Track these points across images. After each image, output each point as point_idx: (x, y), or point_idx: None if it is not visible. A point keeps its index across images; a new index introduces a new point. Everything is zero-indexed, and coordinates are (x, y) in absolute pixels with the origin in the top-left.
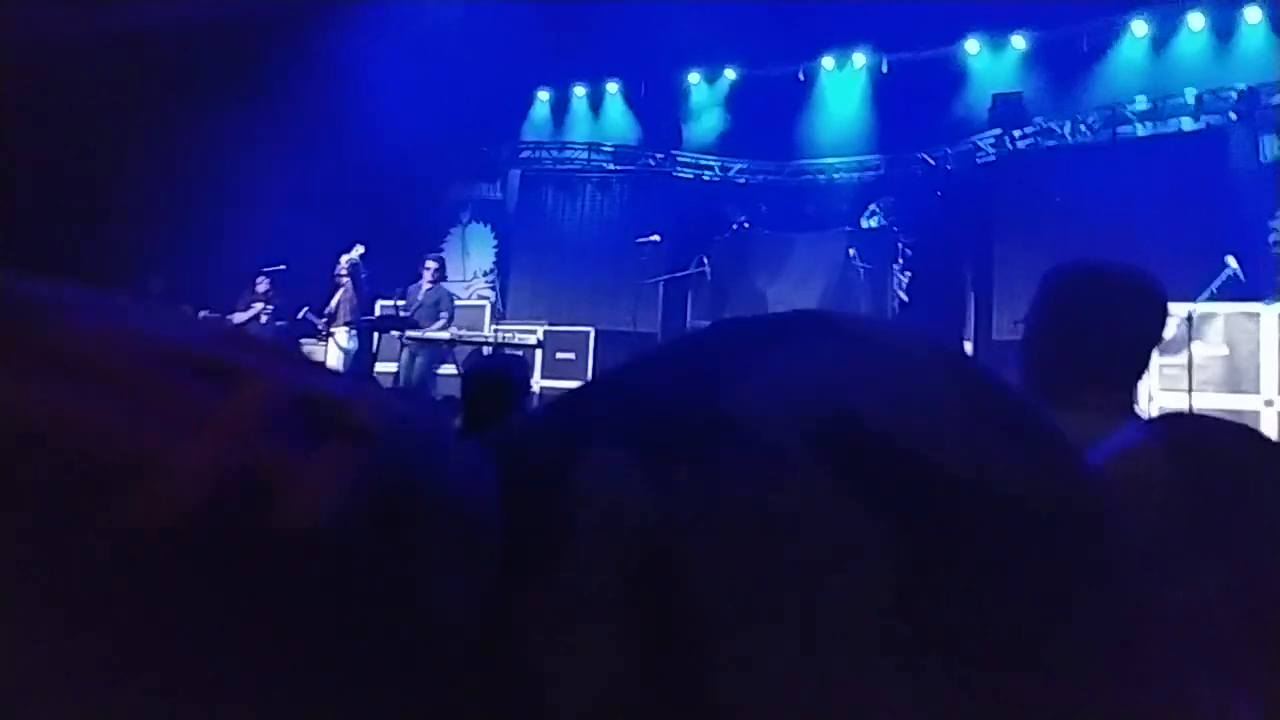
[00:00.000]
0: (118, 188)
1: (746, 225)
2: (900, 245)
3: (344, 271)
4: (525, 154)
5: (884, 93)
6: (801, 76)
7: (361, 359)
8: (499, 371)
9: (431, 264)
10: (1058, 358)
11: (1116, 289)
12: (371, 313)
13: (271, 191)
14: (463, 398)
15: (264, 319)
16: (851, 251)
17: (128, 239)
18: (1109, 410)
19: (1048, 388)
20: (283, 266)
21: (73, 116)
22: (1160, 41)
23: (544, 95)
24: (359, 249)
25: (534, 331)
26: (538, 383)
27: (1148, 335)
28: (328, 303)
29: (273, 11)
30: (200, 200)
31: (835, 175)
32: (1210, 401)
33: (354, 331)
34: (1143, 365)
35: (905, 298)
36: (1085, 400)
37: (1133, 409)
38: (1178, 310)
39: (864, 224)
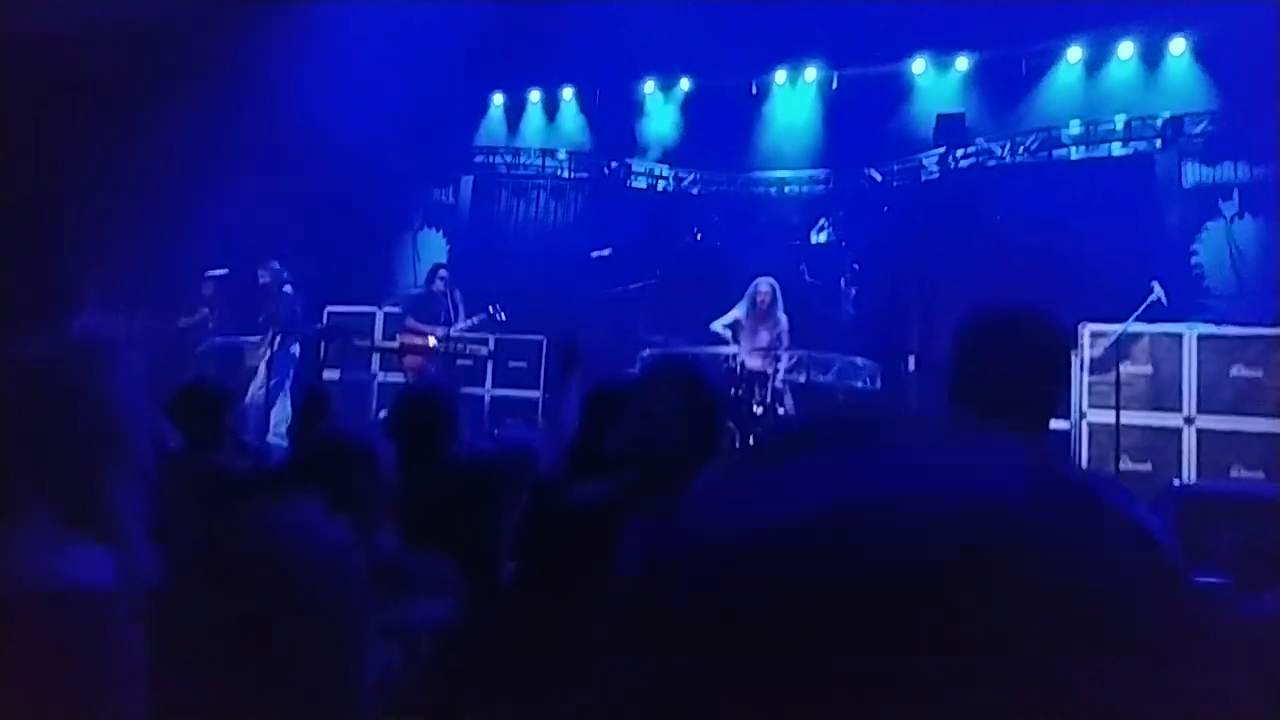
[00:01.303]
0: (52, 187)
1: (699, 236)
2: (848, 260)
3: (267, 281)
4: (479, 159)
5: (834, 108)
6: (754, 89)
7: (308, 368)
8: (429, 400)
9: (444, 273)
10: (968, 404)
11: (1018, 335)
12: (299, 321)
13: (215, 194)
14: (392, 427)
15: (210, 325)
16: (802, 266)
17: (62, 241)
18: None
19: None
20: (224, 271)
21: (7, 114)
22: (1093, 68)
23: (498, 100)
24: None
25: (486, 340)
26: (489, 391)
27: (1052, 379)
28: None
29: (220, 11)
30: (140, 202)
31: (786, 188)
32: (1136, 419)
33: (294, 341)
34: (1049, 404)
35: (852, 312)
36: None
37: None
38: (1108, 331)
39: (813, 238)
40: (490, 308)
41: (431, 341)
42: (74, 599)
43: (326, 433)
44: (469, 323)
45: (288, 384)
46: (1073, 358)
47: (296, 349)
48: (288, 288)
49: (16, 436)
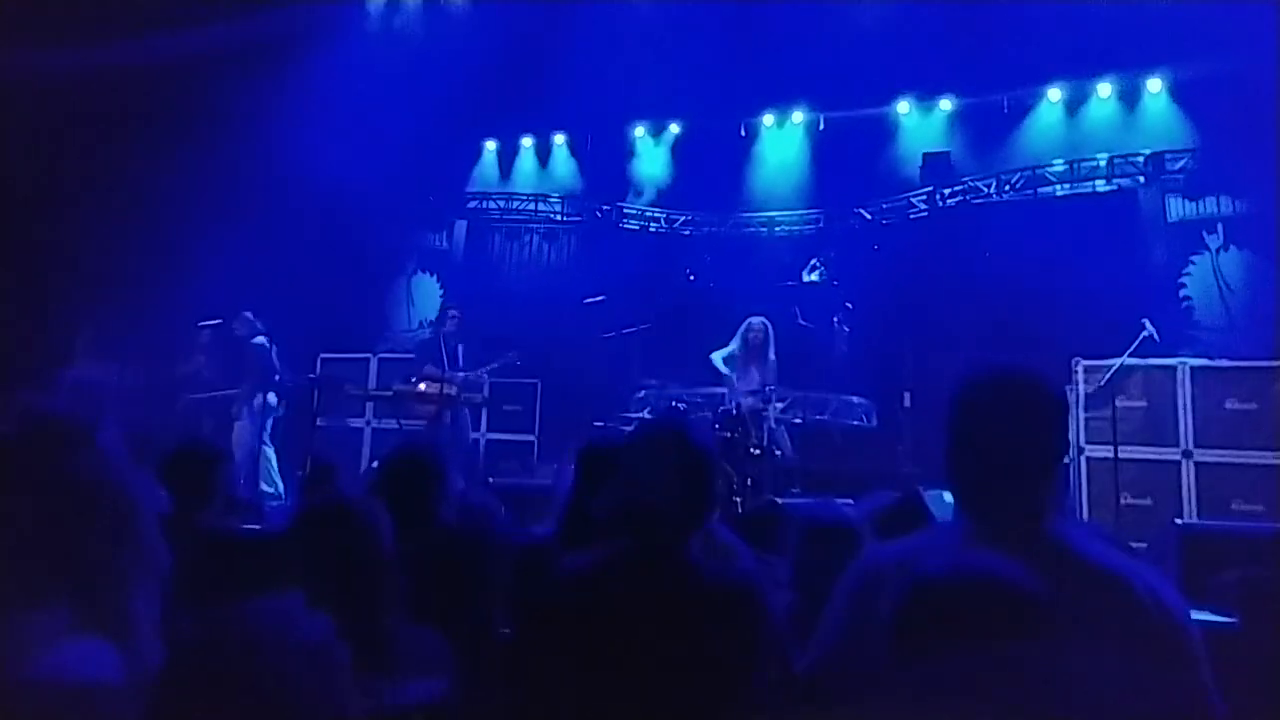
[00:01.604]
0: (43, 237)
1: (692, 278)
2: (841, 299)
3: (242, 333)
4: (472, 204)
5: (822, 149)
6: (743, 132)
7: (300, 417)
8: (413, 462)
9: (455, 313)
10: (967, 473)
11: (1013, 404)
12: (273, 372)
13: (208, 241)
14: (379, 485)
15: (205, 374)
16: (795, 309)
17: (54, 292)
18: (1018, 520)
19: (964, 500)
20: (218, 321)
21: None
22: (1074, 107)
23: (490, 145)
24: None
25: (481, 386)
26: (484, 435)
27: (1049, 448)
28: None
29: (212, 59)
30: (133, 250)
31: (777, 229)
32: (1134, 453)
33: (269, 391)
34: (1046, 474)
35: (846, 351)
36: (993, 511)
37: (1040, 519)
38: (1101, 366)
39: (805, 278)
40: (512, 354)
41: (449, 388)
42: (79, 695)
43: (326, 501)
44: (490, 368)
45: (266, 435)
46: (1069, 400)
47: (273, 398)
48: (260, 339)
49: (36, 529)
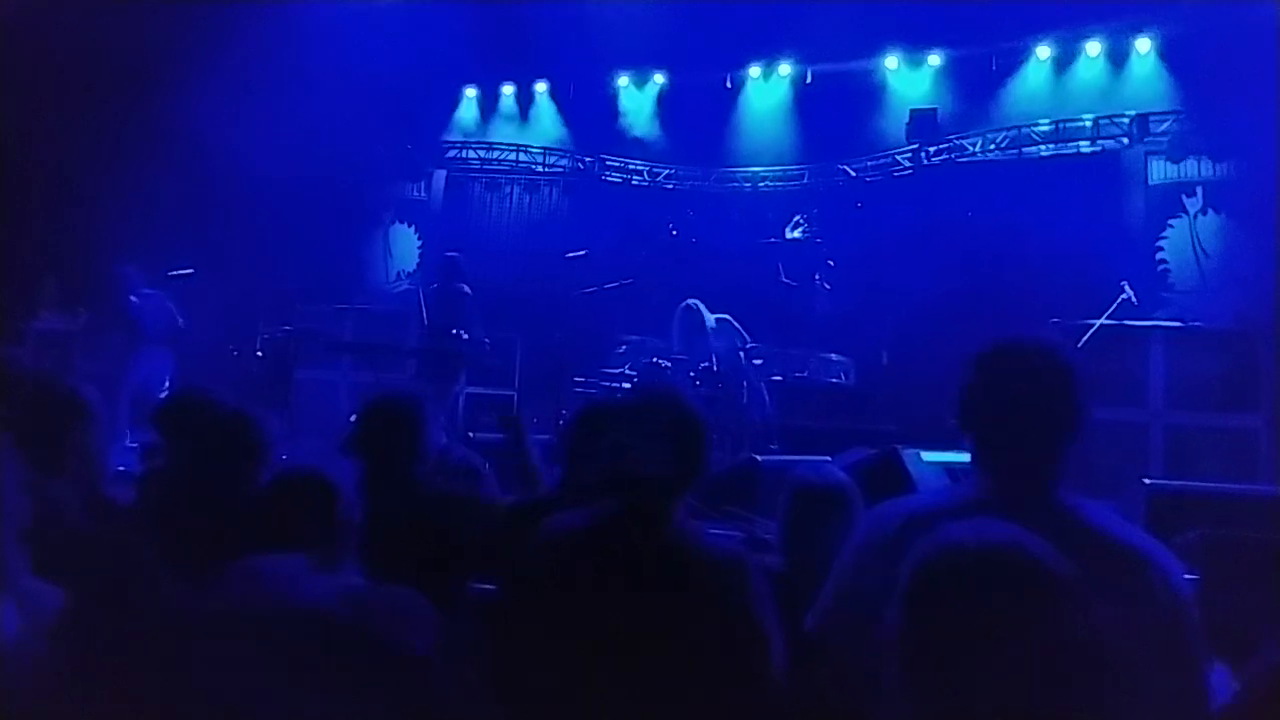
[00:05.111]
0: (10, 187)
1: (675, 233)
2: (823, 256)
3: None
4: (451, 153)
5: (807, 103)
6: (729, 84)
7: (278, 369)
8: (396, 408)
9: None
10: (988, 436)
11: (1033, 371)
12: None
13: (181, 190)
14: (358, 434)
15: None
16: (778, 264)
17: (21, 241)
18: (1033, 486)
19: (981, 458)
20: (189, 271)
21: None
22: (1062, 66)
23: (470, 92)
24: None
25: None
26: (463, 389)
27: (1067, 414)
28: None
29: (185, 7)
30: (100, 201)
31: (761, 184)
32: (1105, 414)
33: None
34: (1061, 439)
35: (827, 308)
36: (1010, 475)
37: (1050, 481)
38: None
39: (788, 235)
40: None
41: None
42: None
43: (283, 470)
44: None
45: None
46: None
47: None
48: (144, 292)
49: None
